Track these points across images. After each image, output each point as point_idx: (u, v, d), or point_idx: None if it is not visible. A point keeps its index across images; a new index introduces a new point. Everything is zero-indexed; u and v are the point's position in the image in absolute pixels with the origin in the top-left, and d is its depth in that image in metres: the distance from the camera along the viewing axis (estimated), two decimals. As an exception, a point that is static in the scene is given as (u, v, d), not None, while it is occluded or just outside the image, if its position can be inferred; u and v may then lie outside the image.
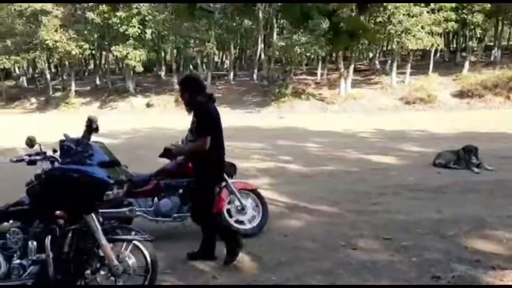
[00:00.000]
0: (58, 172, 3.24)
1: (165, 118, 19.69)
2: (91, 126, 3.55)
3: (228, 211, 4.87)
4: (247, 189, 5.05)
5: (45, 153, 3.33)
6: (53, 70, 41.60)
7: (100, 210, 3.48)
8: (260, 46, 29.18)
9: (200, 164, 4.21)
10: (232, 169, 5.00)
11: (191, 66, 35.54)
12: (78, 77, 36.96)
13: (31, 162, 3.27)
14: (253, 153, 10.10)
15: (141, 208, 4.86)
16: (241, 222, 4.90)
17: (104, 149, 3.52)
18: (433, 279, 3.67)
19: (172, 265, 4.14)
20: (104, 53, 34.36)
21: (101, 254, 3.28)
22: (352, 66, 26.13)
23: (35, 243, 3.24)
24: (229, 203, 4.90)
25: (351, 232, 4.90)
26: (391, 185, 7.18)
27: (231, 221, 4.84)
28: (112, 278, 3.31)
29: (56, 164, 3.30)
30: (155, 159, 4.21)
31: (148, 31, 28.49)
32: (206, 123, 4.09)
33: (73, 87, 30.81)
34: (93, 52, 32.09)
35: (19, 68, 42.78)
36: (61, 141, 3.33)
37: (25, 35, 28.30)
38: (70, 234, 3.36)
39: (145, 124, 17.76)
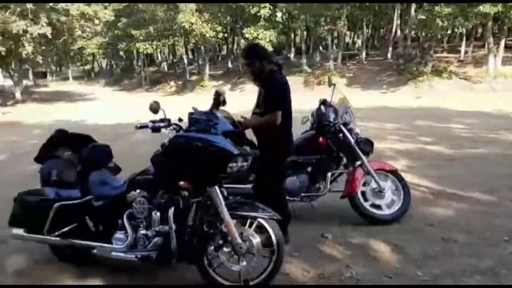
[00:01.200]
0: (181, 140, 3.02)
1: (292, 99, 19.38)
2: (219, 99, 3.45)
3: (363, 193, 4.30)
4: (385, 170, 4.40)
5: (169, 120, 3.14)
6: (190, 56, 44.35)
7: (225, 185, 3.22)
8: (396, 22, 27.23)
9: (264, 140, 3.73)
10: (368, 146, 4.39)
11: (320, 47, 34.82)
12: (212, 62, 38.78)
13: (155, 129, 3.10)
14: (389, 133, 9.24)
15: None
16: (378, 207, 4.30)
17: (229, 118, 3.24)
18: None
19: (299, 248, 3.76)
20: (236, 38, 35.44)
21: (224, 230, 3.01)
22: (503, 41, 22.94)
23: (158, 213, 3.10)
24: (364, 184, 4.33)
25: (517, 226, 4.01)
26: None
27: (366, 205, 4.26)
28: (236, 257, 3.03)
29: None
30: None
31: (279, 14, 28.51)
32: (278, 96, 3.63)
33: (207, 71, 32.33)
34: (226, 35, 33.23)
35: (160, 54, 46.46)
36: (190, 114, 3.20)
37: (165, 22, 30.38)
38: (193, 207, 3.17)
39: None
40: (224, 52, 45.82)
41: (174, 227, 3.03)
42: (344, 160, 4.53)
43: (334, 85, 4.52)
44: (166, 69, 43.23)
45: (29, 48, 22.20)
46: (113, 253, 3.33)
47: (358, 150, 4.30)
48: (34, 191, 3.62)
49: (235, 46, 37.84)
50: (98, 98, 31.38)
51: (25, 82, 43.95)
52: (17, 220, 3.64)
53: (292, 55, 33.88)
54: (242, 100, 20.91)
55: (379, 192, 4.29)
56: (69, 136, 3.83)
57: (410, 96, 19.17)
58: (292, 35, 34.41)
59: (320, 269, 3.37)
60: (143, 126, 3.10)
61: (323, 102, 4.42)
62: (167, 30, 30.83)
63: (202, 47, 34.43)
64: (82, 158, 3.65)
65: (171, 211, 3.03)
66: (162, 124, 3.11)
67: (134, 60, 46.37)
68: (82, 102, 27.07)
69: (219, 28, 28.63)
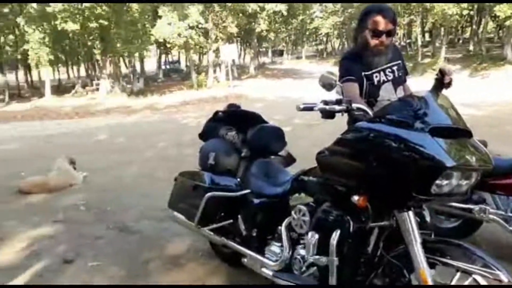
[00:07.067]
0: (363, 134, 1.93)
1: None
2: (442, 80, 2.53)
3: None
4: None
5: (350, 101, 2.04)
6: (426, 38, 41.13)
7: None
8: None
9: None
10: None
11: None
12: (450, 45, 35.06)
13: (326, 113, 2.03)
14: None
15: (498, 210, 3.07)
16: None
17: (447, 106, 1.97)
18: None
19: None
20: (483, 19, 30.95)
21: (415, 282, 1.88)
22: None
23: (317, 236, 2.15)
24: None
25: None
26: None
27: None
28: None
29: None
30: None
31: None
32: None
33: (442, 53, 29.05)
34: (471, 13, 29.16)
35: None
36: None
37: None
38: (368, 237, 2.11)
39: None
40: (466, 35, 41.06)
41: (336, 261, 2.03)
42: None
43: None
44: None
45: (263, 25, 23.60)
46: (263, 270, 2.58)
47: None
48: (192, 173, 3.09)
49: (480, 28, 33.07)
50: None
51: (264, 59, 48.06)
52: (174, 204, 3.21)
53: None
54: (484, 89, 17.76)
55: None
56: (237, 113, 3.18)
57: None
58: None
59: None
60: (308, 108, 2.09)
61: None
62: (404, 8, 28.81)
63: (442, 28, 31.12)
64: (247, 141, 2.96)
65: (335, 236, 2.04)
66: (337, 108, 2.02)
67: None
68: (308, 79, 27.49)
69: (464, 5, 25.05)
